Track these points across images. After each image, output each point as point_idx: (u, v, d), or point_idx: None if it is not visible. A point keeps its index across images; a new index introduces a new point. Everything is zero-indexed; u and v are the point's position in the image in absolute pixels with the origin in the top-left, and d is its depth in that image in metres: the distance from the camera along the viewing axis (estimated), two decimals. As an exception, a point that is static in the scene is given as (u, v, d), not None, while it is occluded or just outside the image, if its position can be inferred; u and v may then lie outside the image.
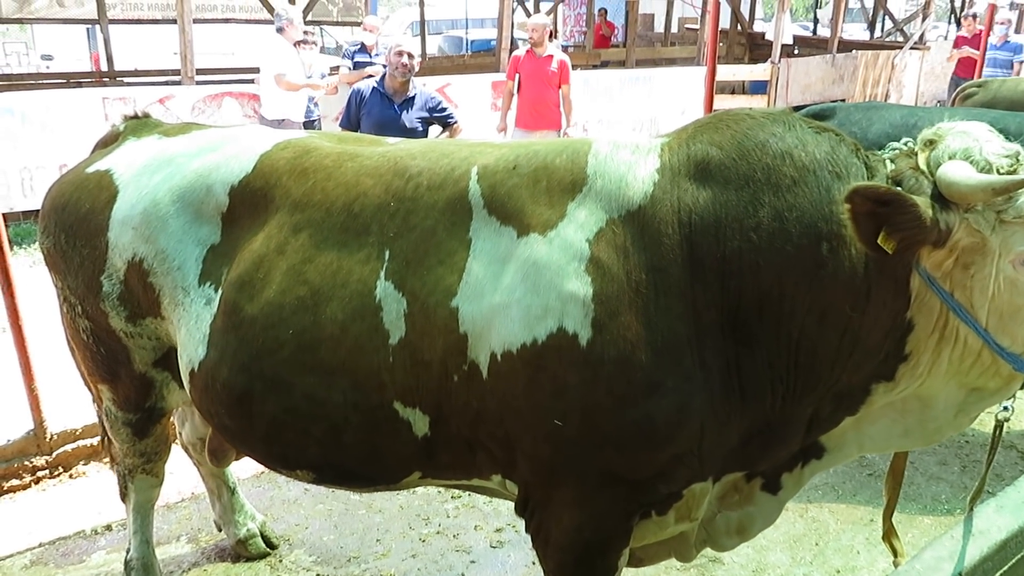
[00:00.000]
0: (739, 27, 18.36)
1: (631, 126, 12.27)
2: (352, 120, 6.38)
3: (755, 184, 1.99)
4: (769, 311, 1.99)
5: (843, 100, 14.71)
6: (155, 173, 2.50)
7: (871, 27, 21.19)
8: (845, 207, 1.86)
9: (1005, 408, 2.23)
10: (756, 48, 17.63)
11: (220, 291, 2.37)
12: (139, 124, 2.81)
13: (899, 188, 1.94)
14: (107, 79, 11.96)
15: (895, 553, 2.63)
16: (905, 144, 2.10)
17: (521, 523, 2.41)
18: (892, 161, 2.06)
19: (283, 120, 8.15)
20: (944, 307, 1.98)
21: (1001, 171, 1.91)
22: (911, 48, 15.49)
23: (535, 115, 8.47)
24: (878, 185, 1.89)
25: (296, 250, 2.28)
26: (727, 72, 13.25)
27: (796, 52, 16.95)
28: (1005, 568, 2.58)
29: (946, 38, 22.22)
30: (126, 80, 11.75)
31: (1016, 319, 1.95)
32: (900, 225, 1.85)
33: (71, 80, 11.03)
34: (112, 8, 13.81)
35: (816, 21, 22.65)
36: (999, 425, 2.28)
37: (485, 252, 2.12)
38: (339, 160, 2.38)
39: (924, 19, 16.21)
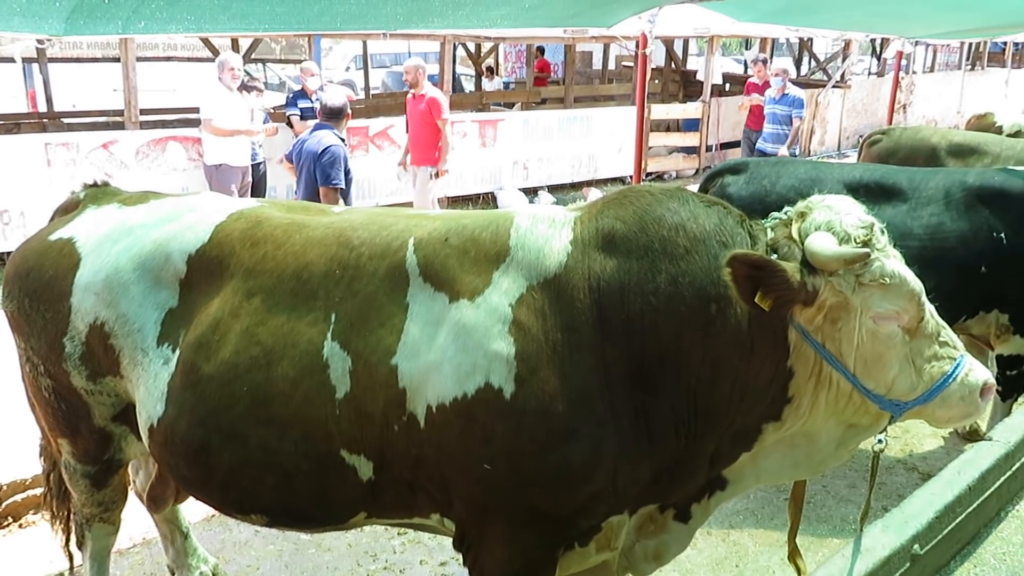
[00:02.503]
0: (673, 65, 19.07)
1: (570, 163, 12.71)
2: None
3: (653, 254, 2.30)
4: (670, 363, 2.29)
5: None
6: (116, 242, 2.70)
7: (797, 65, 22.18)
8: (727, 271, 2.18)
9: (879, 440, 2.57)
10: (689, 85, 18.29)
11: (177, 351, 2.57)
12: (98, 192, 3.00)
13: (775, 255, 2.28)
14: (47, 119, 11.88)
15: (799, 571, 2.88)
16: (785, 214, 2.44)
17: (463, 557, 2.64)
18: (772, 230, 2.40)
19: (221, 165, 8.20)
20: (818, 356, 2.32)
21: (858, 241, 2.27)
22: (833, 87, 16.34)
23: (416, 152, 8.99)
24: (752, 253, 2.23)
25: (249, 313, 2.50)
26: (661, 111, 13.83)
27: (728, 89, 17.70)
28: (890, 582, 2.89)
29: (869, 73, 23.42)
30: (67, 122, 11.67)
31: (878, 365, 2.31)
32: (772, 287, 2.19)
33: (10, 122, 10.93)
34: (51, 47, 13.73)
35: (745, 64, 23.58)
36: (875, 456, 2.62)
37: (421, 315, 2.37)
38: (288, 231, 2.62)
39: (844, 59, 17.11)
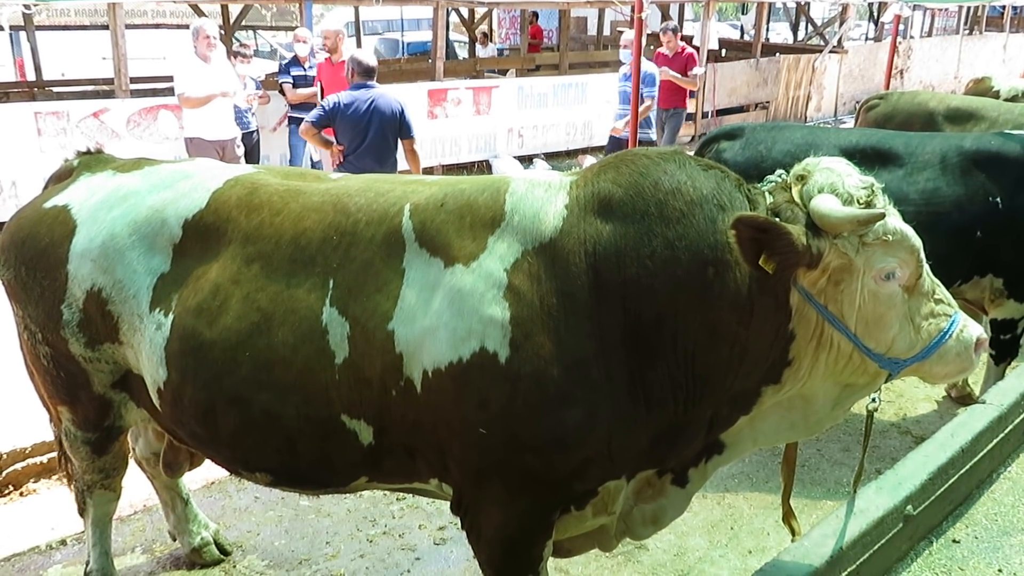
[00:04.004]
0: (669, 31, 18.88)
1: (565, 131, 12.63)
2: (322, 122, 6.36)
3: (649, 217, 2.30)
4: (666, 328, 2.30)
5: (767, 102, 15.36)
6: (111, 209, 2.69)
7: (794, 30, 21.98)
8: (731, 233, 2.19)
9: (873, 400, 2.63)
10: (685, 51, 18.14)
11: (171, 316, 2.57)
12: (92, 160, 2.98)
13: (777, 218, 2.28)
14: (36, 88, 11.75)
15: (793, 532, 2.94)
16: (780, 177, 2.44)
17: (462, 522, 2.68)
18: (771, 194, 2.40)
19: (195, 138, 7.77)
20: (820, 318, 2.33)
21: (860, 201, 2.28)
22: (830, 52, 16.21)
23: None
24: (757, 215, 2.23)
25: (249, 280, 2.51)
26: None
27: (723, 55, 17.55)
28: (882, 542, 2.96)
29: (867, 38, 23.22)
30: (57, 91, 11.54)
31: (879, 325, 2.34)
32: (777, 250, 2.19)
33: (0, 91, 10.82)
34: (38, 14, 13.55)
35: (742, 29, 23.36)
36: (870, 414, 2.67)
37: (417, 281, 2.38)
38: (285, 197, 2.61)
39: (842, 23, 16.95)
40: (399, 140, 6.40)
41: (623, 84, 8.66)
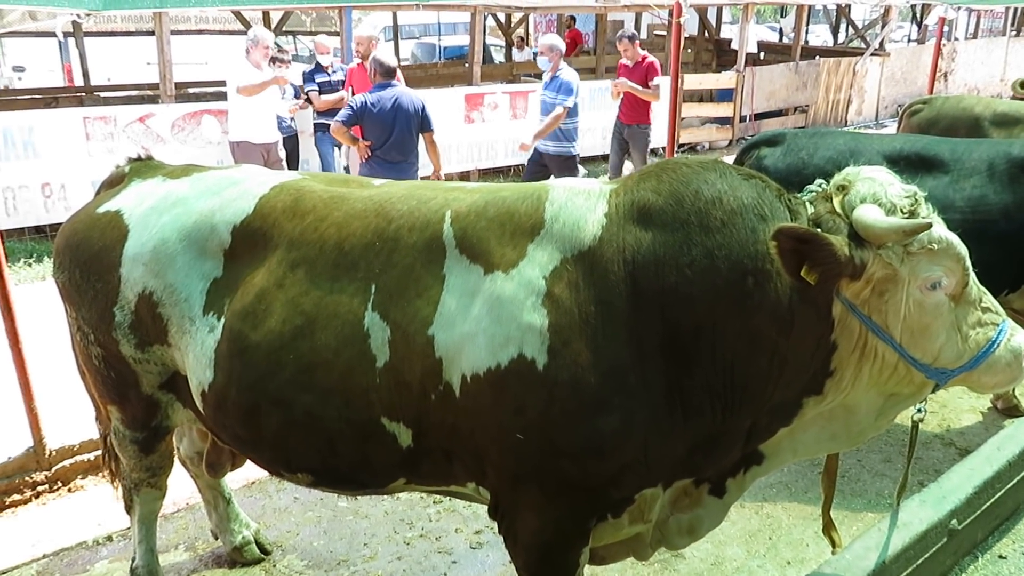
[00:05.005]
0: (706, 34, 18.77)
1: (601, 134, 12.56)
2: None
3: (689, 226, 2.29)
4: (704, 337, 2.29)
5: (807, 106, 15.18)
6: (163, 214, 2.76)
7: (834, 32, 21.70)
8: (772, 244, 2.17)
9: (919, 410, 2.58)
10: (723, 54, 18.02)
11: (223, 320, 2.63)
12: (143, 166, 3.07)
13: (818, 229, 2.26)
14: (84, 93, 12.05)
15: (833, 544, 2.90)
16: (820, 187, 2.42)
17: (499, 526, 2.70)
18: (812, 204, 2.38)
19: (242, 142, 8.10)
20: (863, 328, 2.31)
21: (904, 211, 2.25)
22: (871, 54, 15.97)
23: None
24: (798, 226, 2.22)
25: (293, 284, 2.56)
26: (693, 81, 13.63)
27: (762, 58, 17.39)
28: (925, 556, 2.91)
29: (909, 40, 22.82)
30: (104, 96, 11.84)
31: (925, 335, 2.30)
32: (819, 261, 2.17)
33: (49, 96, 11.11)
34: (87, 21, 13.89)
35: (781, 32, 23.11)
36: (915, 425, 2.62)
37: (457, 287, 2.40)
38: (330, 203, 2.66)
39: (884, 25, 16.69)
40: (420, 134, 6.87)
41: (543, 93, 7.94)
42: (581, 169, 11.67)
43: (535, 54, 18.34)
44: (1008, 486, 3.27)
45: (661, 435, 2.33)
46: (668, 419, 2.32)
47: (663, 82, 12.50)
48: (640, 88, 8.81)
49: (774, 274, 2.25)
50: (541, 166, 8.03)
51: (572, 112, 7.79)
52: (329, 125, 8.76)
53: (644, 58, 8.93)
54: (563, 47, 8.13)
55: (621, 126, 9.20)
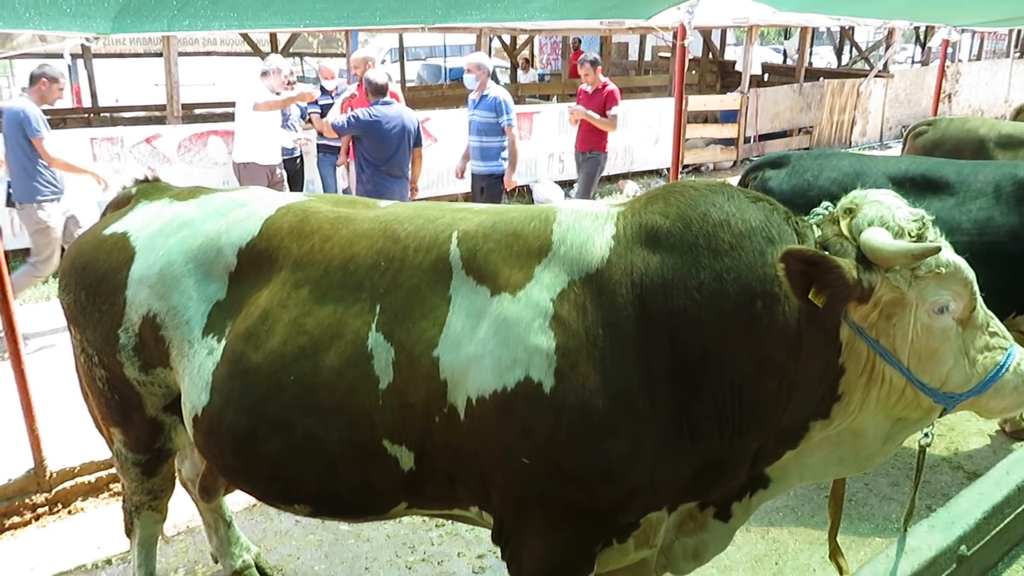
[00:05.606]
0: (710, 55, 18.88)
1: (607, 156, 12.60)
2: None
3: (697, 249, 2.28)
4: (713, 361, 2.27)
5: (811, 127, 15.22)
6: (169, 236, 2.76)
7: (838, 54, 21.79)
8: (780, 266, 2.16)
9: (926, 435, 2.55)
10: (727, 76, 18.10)
11: (223, 342, 2.62)
12: (149, 187, 3.07)
13: (826, 252, 2.25)
14: (92, 114, 12.15)
15: (840, 571, 2.86)
16: (827, 210, 2.41)
17: (500, 550, 2.66)
18: (819, 227, 2.37)
19: (248, 163, 8.05)
20: (871, 352, 2.29)
21: (911, 234, 2.24)
22: (875, 76, 16.03)
23: None
24: (806, 248, 2.20)
25: (297, 304, 2.54)
26: (698, 102, 13.70)
27: (766, 79, 17.46)
28: (935, 583, 2.85)
29: (913, 61, 22.90)
30: (111, 117, 11.93)
31: (933, 359, 2.28)
32: (827, 283, 2.16)
33: (57, 116, 11.19)
34: (96, 43, 14.03)
35: (785, 54, 23.22)
36: (922, 449, 2.59)
37: (463, 308, 2.39)
38: (335, 224, 2.65)
39: (888, 48, 16.77)
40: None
41: (473, 113, 7.82)
42: (561, 190, 11.65)
43: (540, 76, 18.38)
44: (1018, 511, 3.21)
45: (668, 458, 2.31)
46: (676, 443, 2.30)
47: (665, 105, 12.67)
48: (597, 117, 8.44)
49: (782, 297, 2.24)
50: (480, 188, 7.98)
51: (498, 130, 7.66)
52: (330, 147, 8.85)
53: (604, 85, 8.55)
54: (490, 66, 8.02)
55: (577, 154, 8.99)
